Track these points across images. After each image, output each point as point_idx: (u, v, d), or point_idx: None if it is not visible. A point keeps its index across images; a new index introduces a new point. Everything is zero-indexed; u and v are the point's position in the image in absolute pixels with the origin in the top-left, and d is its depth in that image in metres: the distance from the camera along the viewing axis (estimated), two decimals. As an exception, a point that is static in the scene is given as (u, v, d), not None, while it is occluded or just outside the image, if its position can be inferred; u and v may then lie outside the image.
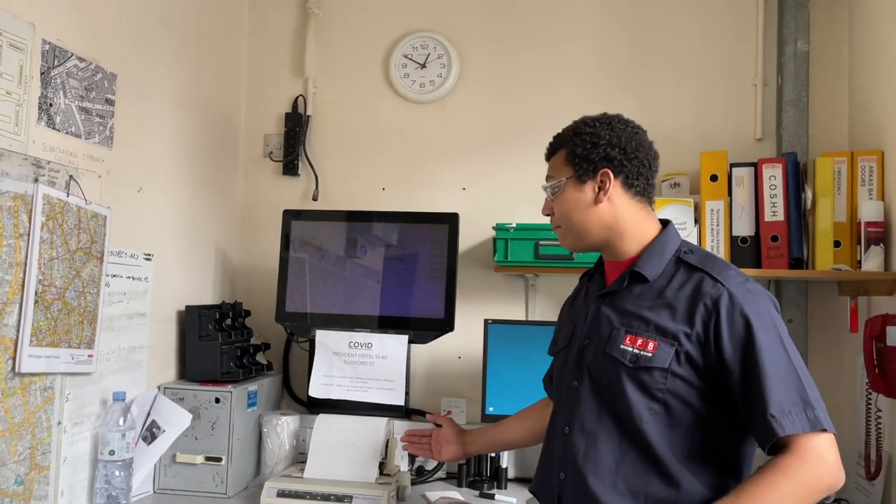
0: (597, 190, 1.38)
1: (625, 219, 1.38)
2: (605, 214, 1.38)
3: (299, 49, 2.60)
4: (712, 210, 2.12)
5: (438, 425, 1.86)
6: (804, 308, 2.23)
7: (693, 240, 2.12)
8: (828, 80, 2.29)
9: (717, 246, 2.11)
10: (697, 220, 2.14)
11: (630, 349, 1.30)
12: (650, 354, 1.28)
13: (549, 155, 1.47)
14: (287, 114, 2.58)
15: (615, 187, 1.37)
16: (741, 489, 1.20)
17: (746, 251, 2.11)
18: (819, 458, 1.18)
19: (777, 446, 1.21)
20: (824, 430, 1.19)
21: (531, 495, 1.52)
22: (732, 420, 1.28)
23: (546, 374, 1.65)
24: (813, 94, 2.28)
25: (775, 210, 2.09)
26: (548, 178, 1.46)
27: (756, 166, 2.12)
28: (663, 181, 2.31)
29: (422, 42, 2.51)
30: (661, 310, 1.31)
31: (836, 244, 2.05)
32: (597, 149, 1.38)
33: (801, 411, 1.19)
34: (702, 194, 2.14)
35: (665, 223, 1.43)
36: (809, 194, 2.07)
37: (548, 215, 1.46)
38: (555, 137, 1.47)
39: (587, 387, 1.37)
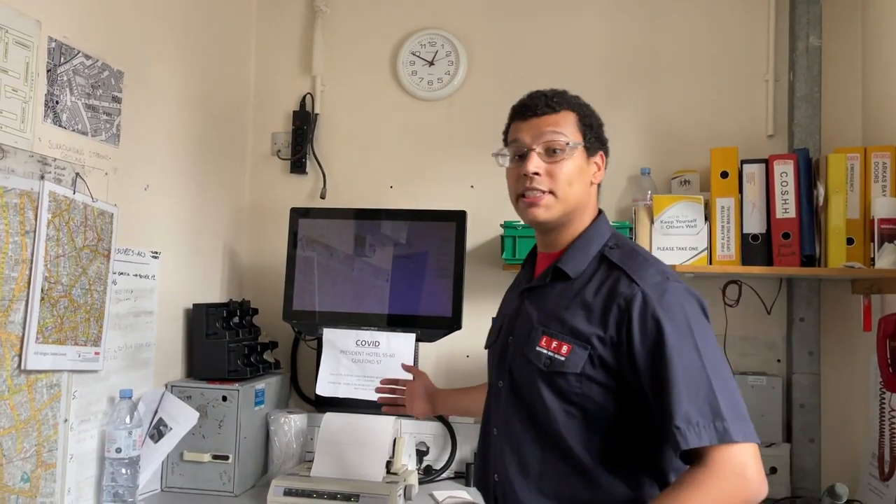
0: (595, 169, 1.34)
1: (586, 206, 1.34)
2: (584, 194, 1.33)
3: (307, 47, 2.60)
4: (723, 207, 2.10)
5: (413, 378, 1.81)
6: (816, 307, 2.20)
7: (703, 237, 2.10)
8: (840, 76, 2.26)
9: (727, 243, 2.09)
10: (707, 218, 2.11)
11: (545, 351, 1.25)
12: (563, 358, 1.23)
13: (553, 109, 1.31)
14: (295, 112, 2.58)
15: (600, 173, 1.35)
16: None
17: (758, 248, 2.08)
18: (732, 472, 1.10)
19: (693, 456, 1.13)
20: (738, 442, 1.11)
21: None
22: (652, 423, 1.21)
23: None
24: (825, 90, 2.25)
25: (787, 207, 2.06)
26: (553, 133, 1.29)
27: (767, 162, 2.10)
28: (673, 178, 2.29)
29: (430, 39, 2.50)
30: (578, 311, 1.25)
31: (849, 241, 2.02)
32: (602, 128, 1.36)
33: (710, 422, 1.11)
34: (712, 191, 2.11)
35: (601, 213, 1.38)
36: (822, 191, 2.04)
37: (535, 174, 1.28)
38: (555, 93, 1.33)
39: (508, 388, 1.33)
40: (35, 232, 1.56)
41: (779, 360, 2.25)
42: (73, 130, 1.70)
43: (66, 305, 1.65)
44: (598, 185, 1.38)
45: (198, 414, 1.99)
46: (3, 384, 1.49)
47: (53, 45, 1.62)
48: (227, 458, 2.03)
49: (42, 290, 1.58)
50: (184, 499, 1.99)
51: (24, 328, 1.54)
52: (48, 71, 1.61)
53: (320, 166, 2.55)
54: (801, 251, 2.05)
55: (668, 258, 2.11)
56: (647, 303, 1.19)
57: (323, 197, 2.55)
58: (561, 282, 1.31)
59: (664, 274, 1.24)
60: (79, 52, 1.70)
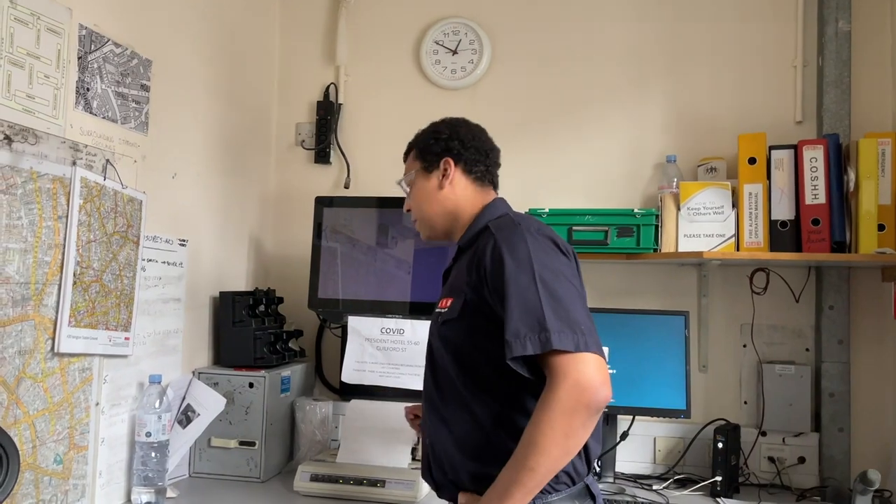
0: (441, 177, 1.53)
1: (464, 202, 1.53)
2: (448, 200, 1.53)
3: (331, 37, 2.60)
4: (750, 194, 2.08)
5: None
6: (846, 294, 2.17)
7: (731, 224, 2.08)
8: (870, 60, 2.23)
9: (755, 230, 2.07)
10: (735, 205, 2.09)
11: (439, 310, 1.46)
12: (446, 310, 1.43)
13: (404, 158, 1.63)
14: (318, 102, 2.59)
15: (457, 173, 1.53)
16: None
17: (786, 235, 2.06)
18: (567, 381, 1.19)
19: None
20: (569, 352, 1.21)
21: None
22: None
23: None
24: (855, 75, 2.21)
25: (816, 193, 2.04)
26: (403, 176, 1.61)
27: (796, 148, 2.07)
28: (699, 166, 2.27)
29: (453, 28, 2.50)
30: (459, 272, 1.46)
31: (881, 228, 1.99)
32: (439, 142, 1.55)
33: (536, 335, 1.23)
34: (740, 178, 2.09)
35: (494, 200, 1.56)
36: (852, 176, 2.01)
37: (408, 211, 1.60)
38: (408, 144, 1.63)
39: (429, 354, 1.50)
40: (67, 217, 1.58)
41: (807, 349, 2.23)
42: (103, 118, 1.71)
43: (98, 290, 1.67)
44: (476, 175, 1.55)
45: (225, 400, 2.01)
46: (36, 366, 1.52)
47: (84, 32, 1.64)
48: (253, 444, 2.04)
49: (74, 275, 1.60)
50: (211, 484, 2.01)
51: (57, 312, 1.56)
52: (79, 58, 1.63)
53: (344, 156, 2.56)
54: (831, 237, 2.03)
55: (694, 245, 2.10)
56: (496, 244, 1.36)
57: (347, 186, 2.56)
58: (462, 257, 1.50)
59: (520, 224, 1.39)
60: (108, 39, 1.72)
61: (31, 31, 1.49)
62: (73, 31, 1.61)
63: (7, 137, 1.43)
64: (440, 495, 1.47)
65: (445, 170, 1.52)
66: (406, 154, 1.63)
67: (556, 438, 1.19)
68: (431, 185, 1.54)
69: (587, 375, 1.19)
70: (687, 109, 2.36)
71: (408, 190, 1.60)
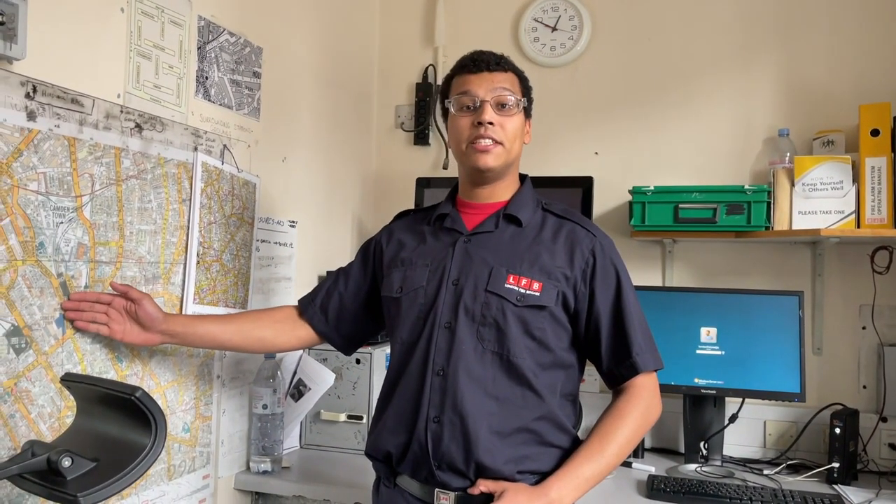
0: (526, 131, 1.47)
1: (517, 165, 1.49)
2: (520, 153, 1.47)
3: (429, 18, 2.62)
4: (873, 168, 1.97)
5: (129, 298, 1.43)
6: (979, 274, 2.03)
7: (851, 200, 1.99)
8: None
9: (878, 206, 1.96)
10: (855, 179, 1.99)
11: (515, 288, 1.36)
12: (537, 294, 1.36)
13: (502, 68, 1.43)
14: (417, 84, 2.61)
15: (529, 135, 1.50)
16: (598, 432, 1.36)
17: (913, 211, 1.94)
18: (652, 394, 1.39)
19: (618, 381, 1.41)
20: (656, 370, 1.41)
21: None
22: (580, 358, 1.45)
23: (309, 297, 1.62)
24: None
25: (948, 165, 1.91)
26: (503, 89, 1.40)
27: (924, 118, 1.94)
28: (814, 139, 2.16)
29: (552, 4, 2.47)
30: (542, 253, 1.39)
31: None
32: (532, 94, 1.50)
33: (652, 354, 1.39)
34: (861, 151, 1.98)
35: (523, 177, 1.52)
36: None
37: (490, 123, 1.38)
38: (499, 55, 1.45)
39: (465, 326, 1.36)
40: (190, 200, 1.67)
41: (933, 332, 2.10)
42: (220, 104, 1.79)
43: (218, 269, 1.76)
44: None
45: (334, 376, 2.08)
46: (166, 341, 1.62)
47: (203, 23, 1.72)
48: (361, 418, 2.11)
49: (197, 255, 1.69)
50: (321, 455, 2.10)
51: (182, 289, 1.66)
52: (198, 48, 1.71)
53: (443, 137, 2.58)
54: (964, 213, 1.89)
55: (810, 222, 2.01)
56: (605, 251, 1.41)
57: (445, 167, 2.58)
58: (510, 227, 1.44)
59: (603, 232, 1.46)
60: (224, 29, 1.80)
61: (157, 24, 1.58)
62: (193, 22, 1.69)
63: (138, 126, 1.52)
64: (431, 480, 1.35)
65: (528, 129, 1.49)
66: (504, 67, 1.43)
67: (634, 444, 1.37)
68: (523, 131, 1.46)
69: (659, 392, 1.41)
70: (800, 79, 2.25)
71: (505, 108, 1.40)
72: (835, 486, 1.89)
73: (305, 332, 1.60)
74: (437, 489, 1.35)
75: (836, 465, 1.91)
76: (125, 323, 1.42)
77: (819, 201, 2.00)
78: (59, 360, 1.36)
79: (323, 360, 2.12)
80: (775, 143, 2.19)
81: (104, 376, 1.45)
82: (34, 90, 1.29)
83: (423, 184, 2.38)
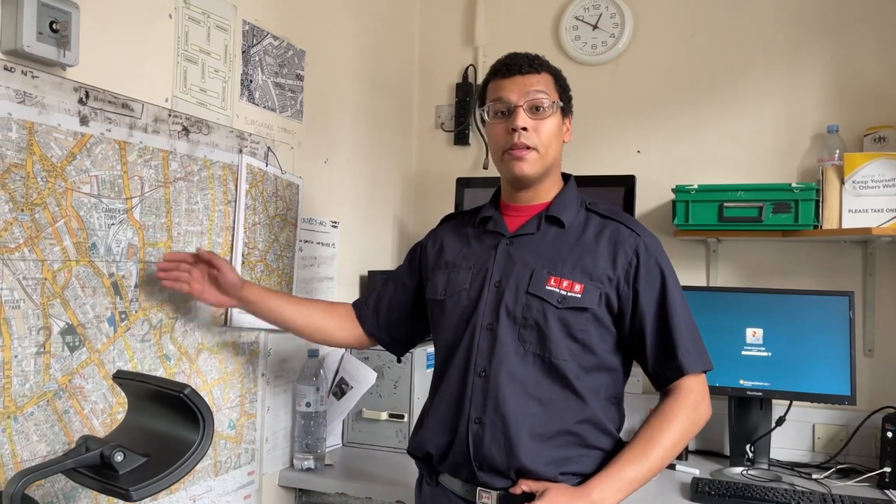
0: (566, 128, 1.46)
1: (558, 165, 1.47)
2: (559, 154, 1.45)
3: (469, 18, 2.62)
4: (927, 164, 1.91)
5: (213, 265, 1.52)
6: None
7: (903, 197, 1.92)
8: None
9: (933, 204, 1.90)
10: (909, 176, 1.93)
11: (557, 290, 1.35)
12: (579, 296, 1.35)
13: (535, 70, 1.41)
14: (458, 84, 2.62)
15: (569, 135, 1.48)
16: (646, 432, 1.34)
17: (970, 209, 1.88)
18: (701, 396, 1.36)
19: (665, 383, 1.38)
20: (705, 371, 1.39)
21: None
22: (626, 360, 1.43)
23: (362, 299, 1.68)
24: None
25: None
26: (536, 91, 1.38)
27: (983, 113, 1.88)
28: (865, 135, 2.11)
29: (593, 2, 2.45)
30: (584, 254, 1.38)
31: None
32: (570, 92, 1.47)
33: (700, 356, 1.37)
34: (914, 147, 1.93)
35: (567, 176, 1.50)
36: None
37: (523, 129, 1.36)
38: (534, 56, 1.44)
39: (507, 328, 1.37)
40: (235, 201, 1.71)
41: None
42: (264, 107, 1.82)
43: (263, 269, 1.79)
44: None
45: (376, 374, 2.10)
46: (213, 339, 1.65)
47: (247, 27, 1.75)
48: (402, 417, 2.13)
49: (242, 255, 1.72)
50: (363, 453, 2.11)
51: (228, 289, 1.69)
52: (243, 52, 1.74)
53: (483, 137, 2.58)
54: None
55: (861, 221, 1.96)
56: (650, 250, 1.39)
57: (485, 167, 2.58)
58: (553, 229, 1.43)
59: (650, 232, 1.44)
60: (268, 33, 1.83)
61: (203, 29, 1.61)
62: (238, 26, 1.72)
63: (185, 129, 1.56)
64: (473, 479, 1.36)
65: (568, 127, 1.47)
66: (538, 68, 1.41)
67: (680, 448, 1.35)
68: (562, 131, 1.44)
69: (708, 394, 1.39)
70: (849, 75, 2.19)
71: (539, 112, 1.38)
72: (886, 492, 1.84)
73: (360, 332, 1.67)
74: (479, 488, 1.37)
75: (887, 469, 1.86)
76: (204, 284, 1.52)
77: (870, 199, 1.95)
78: (111, 357, 1.40)
79: (364, 359, 2.14)
80: (824, 140, 2.13)
81: (153, 373, 1.48)
82: (87, 95, 1.33)
83: (463, 184, 2.39)
